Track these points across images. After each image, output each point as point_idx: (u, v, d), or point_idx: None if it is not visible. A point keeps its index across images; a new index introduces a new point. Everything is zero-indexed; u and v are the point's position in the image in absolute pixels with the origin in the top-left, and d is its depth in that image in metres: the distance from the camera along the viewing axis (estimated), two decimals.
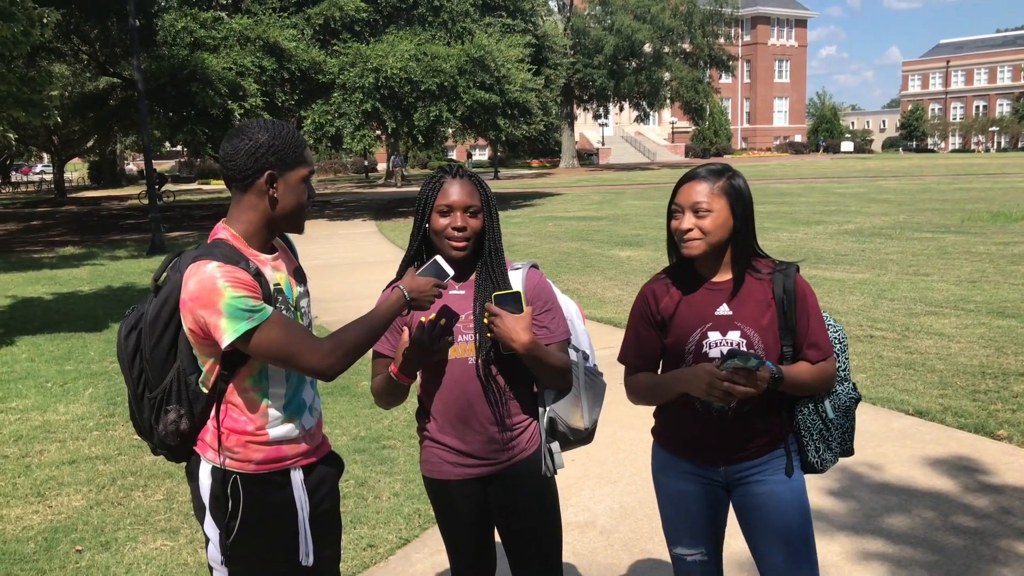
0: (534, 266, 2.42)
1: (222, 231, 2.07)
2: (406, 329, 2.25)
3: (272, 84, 22.54)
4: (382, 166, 43.04)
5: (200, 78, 20.45)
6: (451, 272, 2.17)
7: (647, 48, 50.61)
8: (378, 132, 26.74)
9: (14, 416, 5.97)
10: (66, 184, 44.97)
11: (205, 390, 2.07)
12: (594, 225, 19.00)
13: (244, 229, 2.06)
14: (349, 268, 13.62)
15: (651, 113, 57.33)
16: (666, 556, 3.67)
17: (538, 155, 60.73)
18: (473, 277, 2.34)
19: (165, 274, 2.11)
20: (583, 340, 2.49)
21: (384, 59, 22.53)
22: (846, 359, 2.35)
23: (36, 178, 59.29)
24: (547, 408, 2.37)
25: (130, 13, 16.36)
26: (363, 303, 9.54)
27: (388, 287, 2.33)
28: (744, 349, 2.20)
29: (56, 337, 8.61)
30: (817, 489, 4.23)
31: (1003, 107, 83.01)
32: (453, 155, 64.78)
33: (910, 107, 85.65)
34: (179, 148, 48.97)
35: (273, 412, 2.10)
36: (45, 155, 53.65)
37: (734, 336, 2.22)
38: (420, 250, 2.33)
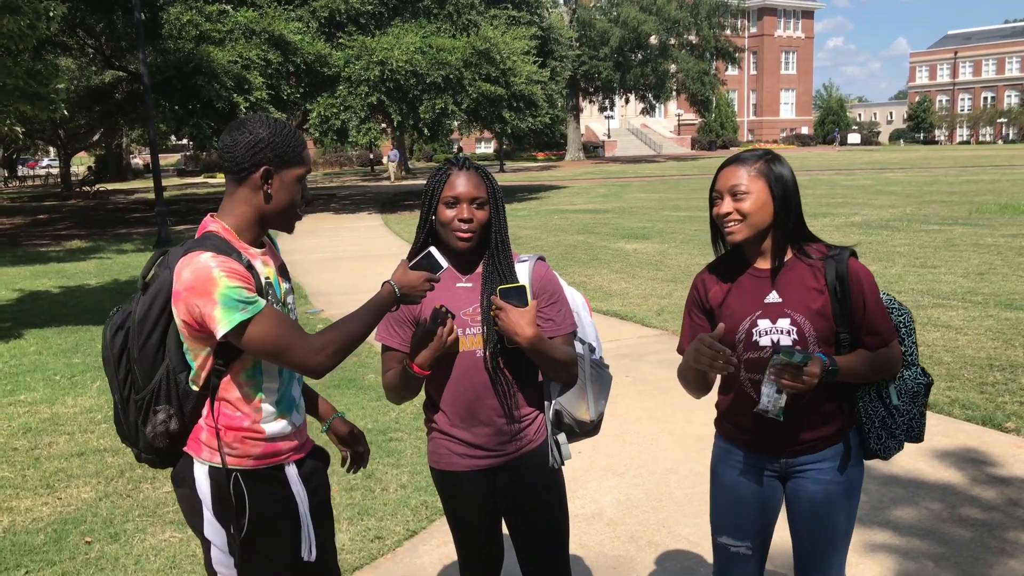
0: (541, 258, 2.42)
1: (212, 224, 2.05)
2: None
3: (278, 77, 22.52)
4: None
5: (205, 71, 20.45)
6: (445, 264, 2.16)
7: (653, 40, 50.40)
8: (384, 125, 26.71)
9: (23, 409, 6.00)
10: (72, 178, 45.08)
11: (196, 388, 2.04)
12: (600, 218, 18.97)
13: (236, 223, 2.05)
14: (355, 261, 13.64)
15: (657, 105, 57.14)
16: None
17: (544, 148, 60.60)
18: (480, 269, 2.34)
19: (153, 271, 2.08)
20: (589, 332, 2.49)
21: (390, 52, 22.49)
22: (912, 343, 2.29)
23: (43, 172, 59.41)
24: (553, 400, 2.37)
25: (135, 6, 16.37)
26: (369, 296, 9.53)
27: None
28: (788, 341, 2.17)
29: (64, 330, 8.64)
30: None
31: (1011, 98, 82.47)
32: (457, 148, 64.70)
33: (917, 99, 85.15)
34: (185, 141, 49.13)
35: (267, 407, 2.08)
36: (51, 149, 53.71)
37: (784, 324, 2.18)
38: (426, 242, 2.32)
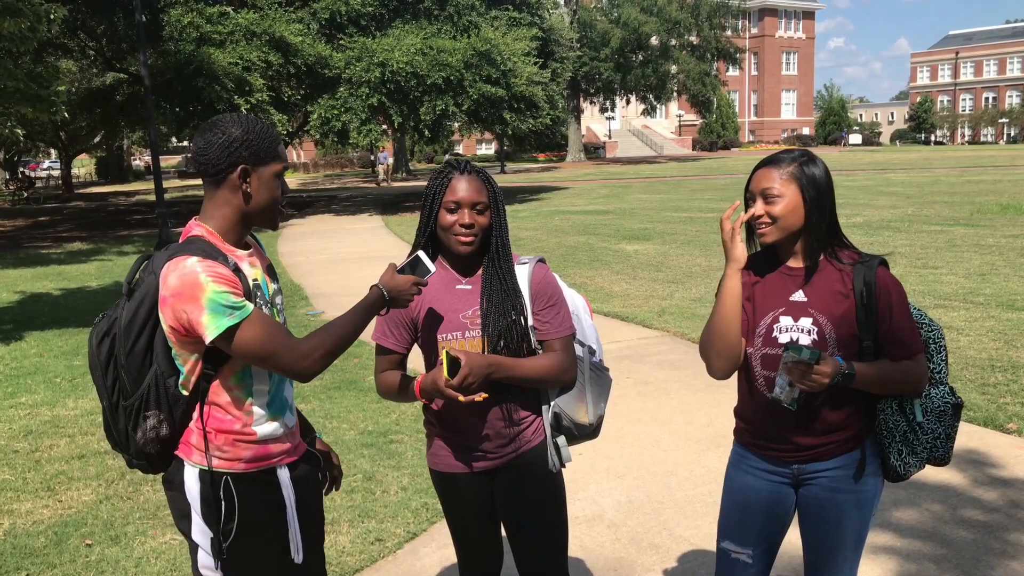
0: (541, 260, 2.42)
1: (196, 228, 2.04)
2: (441, 367, 2.15)
3: (278, 79, 22.54)
4: (390, 160, 42.54)
5: (206, 73, 20.46)
6: (432, 268, 2.17)
7: (654, 41, 50.40)
8: (384, 126, 26.71)
9: (23, 411, 6.00)
10: (73, 180, 45.11)
11: (185, 392, 2.02)
12: (601, 219, 18.97)
13: (219, 225, 2.03)
14: (356, 263, 13.64)
15: (658, 106, 57.10)
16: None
17: (544, 149, 60.61)
18: (480, 272, 2.34)
19: (137, 276, 2.06)
20: (590, 335, 2.48)
21: (390, 53, 22.50)
22: (942, 360, 2.25)
23: (44, 174, 59.41)
24: (551, 403, 2.37)
25: (136, 8, 16.38)
26: None
27: None
28: (807, 340, 2.16)
29: (64, 332, 8.65)
30: None
31: (1012, 99, 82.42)
32: (459, 149, 64.70)
33: (919, 99, 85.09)
34: (186, 143, 49.12)
35: (258, 410, 2.07)
36: (52, 151, 53.72)
37: (806, 323, 2.17)
38: (427, 246, 2.33)
